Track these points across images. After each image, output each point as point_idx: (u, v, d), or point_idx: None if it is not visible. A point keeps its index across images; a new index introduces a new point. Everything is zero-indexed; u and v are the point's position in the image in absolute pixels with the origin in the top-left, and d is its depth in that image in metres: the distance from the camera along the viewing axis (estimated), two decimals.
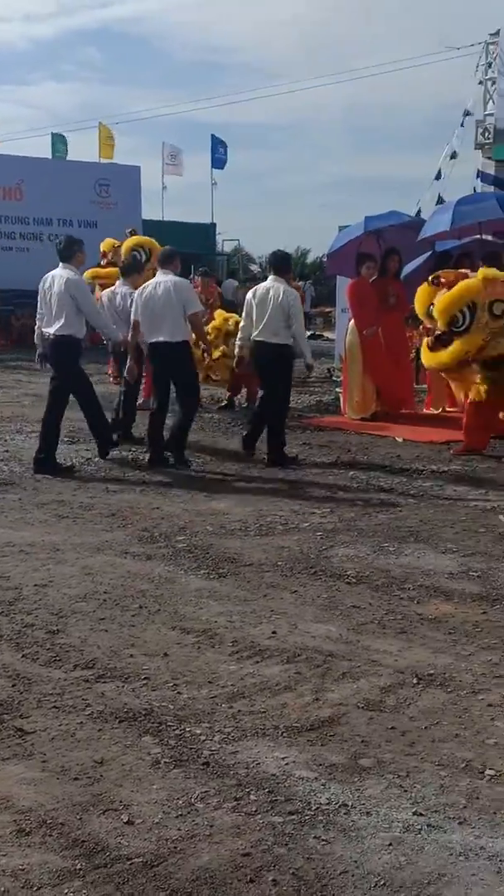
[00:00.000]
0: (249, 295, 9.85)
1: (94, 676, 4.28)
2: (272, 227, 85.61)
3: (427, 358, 9.89)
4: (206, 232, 34.50)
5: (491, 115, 14.99)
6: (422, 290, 9.82)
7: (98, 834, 3.06)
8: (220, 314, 13.67)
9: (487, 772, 3.51)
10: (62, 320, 8.93)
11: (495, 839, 3.07)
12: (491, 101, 15.03)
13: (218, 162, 37.97)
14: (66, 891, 2.78)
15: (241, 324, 9.95)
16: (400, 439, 11.00)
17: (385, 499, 7.91)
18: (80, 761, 3.53)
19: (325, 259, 21.30)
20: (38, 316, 9.34)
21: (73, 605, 5.20)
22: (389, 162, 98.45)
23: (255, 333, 9.53)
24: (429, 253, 13.13)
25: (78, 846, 2.99)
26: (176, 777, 3.44)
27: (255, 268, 42.44)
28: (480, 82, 15.21)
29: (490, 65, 14.97)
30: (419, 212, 15.21)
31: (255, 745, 3.67)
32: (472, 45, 15.92)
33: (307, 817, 3.18)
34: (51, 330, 9.02)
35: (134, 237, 13.28)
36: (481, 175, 15.14)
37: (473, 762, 3.58)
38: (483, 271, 9.62)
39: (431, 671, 4.41)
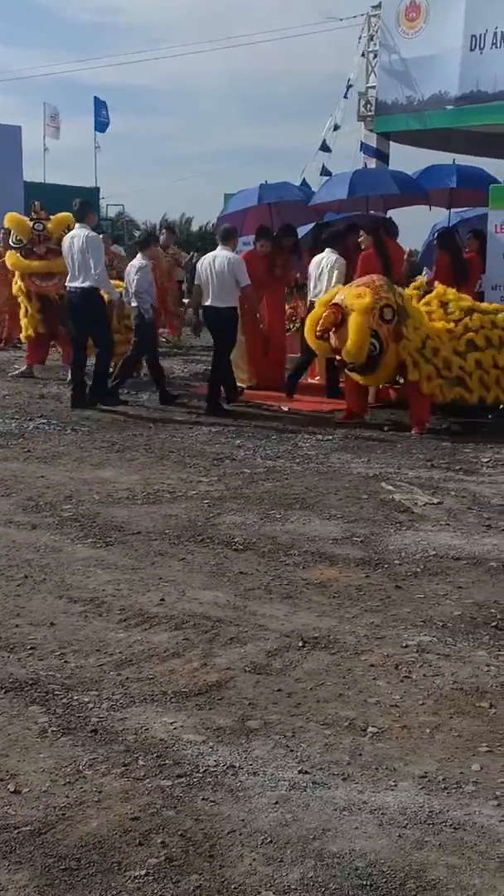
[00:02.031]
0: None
1: None
2: (157, 193, 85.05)
3: (363, 380, 10.02)
4: (90, 196, 33.97)
5: (373, 87, 15.06)
6: (319, 345, 9.88)
7: None
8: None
9: (370, 729, 3.60)
10: (85, 274, 10.16)
11: (377, 793, 3.16)
12: (373, 74, 15.09)
13: (101, 125, 37.24)
14: None
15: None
16: (285, 408, 11.09)
17: (271, 466, 7.98)
18: None
19: (212, 226, 21.23)
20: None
21: None
22: (275, 131, 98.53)
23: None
24: (313, 224, 13.26)
25: None
26: (63, 745, 3.44)
27: (139, 234, 42.03)
28: (363, 54, 15.26)
29: (372, 37, 15.03)
30: (304, 181, 15.22)
31: (143, 711, 3.69)
32: (355, 16, 16.00)
33: (195, 780, 3.22)
34: (75, 284, 10.22)
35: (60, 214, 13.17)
36: (364, 147, 15.26)
37: (356, 721, 3.67)
38: (350, 299, 9.55)
39: (316, 634, 4.49)
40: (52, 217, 12.51)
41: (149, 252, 11.27)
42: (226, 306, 10.63)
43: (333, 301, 9.57)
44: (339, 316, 9.43)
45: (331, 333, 9.55)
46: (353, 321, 9.31)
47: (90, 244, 10.28)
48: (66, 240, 10.60)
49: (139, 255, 11.13)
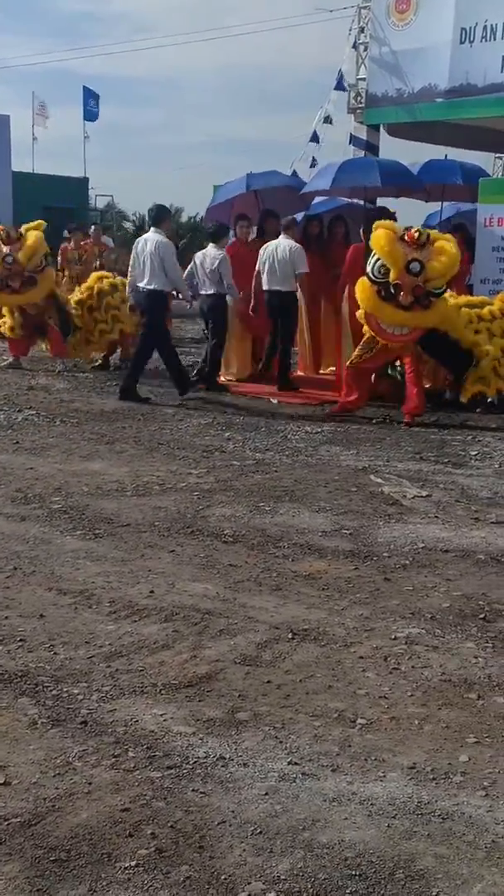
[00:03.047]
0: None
1: None
2: (146, 184, 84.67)
3: (398, 315, 9.55)
4: (79, 186, 33.90)
5: (363, 79, 15.05)
6: (384, 232, 9.53)
7: None
8: (95, 275, 13.54)
9: (359, 721, 3.62)
10: (152, 276, 10.68)
11: (366, 784, 3.18)
12: (363, 66, 15.08)
13: (90, 115, 37.13)
14: None
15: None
16: (275, 401, 11.11)
17: (261, 459, 7.99)
18: None
19: (201, 218, 21.22)
20: (129, 270, 11.06)
21: None
22: (265, 123, 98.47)
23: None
24: (302, 216, 13.25)
25: None
26: (53, 737, 3.44)
27: (128, 225, 41.86)
28: (354, 46, 15.26)
29: (363, 29, 15.02)
30: (294, 173, 15.22)
31: (133, 703, 3.70)
32: (346, 8, 16.00)
33: (185, 771, 3.23)
34: (142, 284, 10.76)
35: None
36: (353, 139, 15.28)
37: (345, 712, 3.68)
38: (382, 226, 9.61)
39: (305, 626, 4.50)
40: (23, 235, 12.39)
41: (223, 242, 11.69)
42: (287, 290, 11.52)
43: None
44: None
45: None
46: (450, 259, 9.46)
47: (164, 250, 10.74)
48: (139, 241, 11.08)
49: (212, 246, 11.57)
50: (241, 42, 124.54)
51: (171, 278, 10.85)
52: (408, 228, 9.53)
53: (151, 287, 10.75)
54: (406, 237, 9.41)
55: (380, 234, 9.45)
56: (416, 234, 9.42)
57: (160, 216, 11.26)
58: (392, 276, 9.41)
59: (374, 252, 9.53)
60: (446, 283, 9.98)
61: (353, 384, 10.26)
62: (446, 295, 9.85)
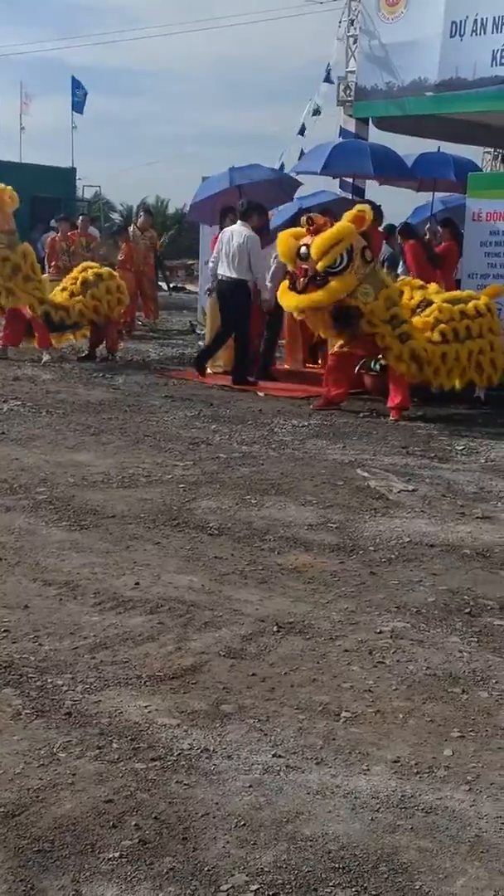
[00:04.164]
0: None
1: None
2: (134, 175, 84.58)
3: (293, 299, 9.78)
4: (66, 176, 33.68)
5: (353, 72, 15.02)
6: (284, 237, 9.91)
7: None
8: (81, 265, 13.51)
9: (343, 714, 3.62)
10: (240, 268, 11.25)
11: (350, 777, 3.18)
12: (353, 59, 15.06)
13: (78, 105, 36.95)
14: None
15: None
16: (261, 394, 11.11)
17: (247, 452, 7.99)
18: None
19: (185, 209, 21.19)
20: (212, 258, 11.70)
21: None
22: (255, 115, 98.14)
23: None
24: (296, 209, 13.26)
25: None
26: (37, 728, 3.44)
27: (115, 216, 41.71)
28: (342, 39, 15.23)
29: (352, 22, 14.99)
30: (282, 166, 15.21)
31: (117, 695, 3.70)
32: (336, 0, 15.99)
33: (169, 763, 3.23)
34: (228, 274, 11.37)
35: None
36: (343, 132, 15.26)
37: (330, 705, 3.69)
38: (359, 208, 9.79)
39: (291, 619, 4.51)
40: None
41: (253, 221, 11.76)
42: (239, 279, 11.51)
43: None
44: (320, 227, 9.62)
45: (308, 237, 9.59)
46: (340, 225, 9.58)
47: (252, 244, 11.35)
48: (225, 233, 11.59)
49: (241, 224, 11.64)
50: (233, 33, 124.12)
51: (255, 272, 11.38)
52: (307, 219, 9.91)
53: (237, 277, 11.33)
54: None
55: (279, 238, 10.11)
56: (305, 221, 9.83)
57: (248, 211, 11.71)
58: (290, 268, 9.91)
59: None
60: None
61: (337, 377, 10.28)
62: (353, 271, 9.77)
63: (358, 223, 9.63)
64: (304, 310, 9.91)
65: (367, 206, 10.07)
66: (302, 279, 9.62)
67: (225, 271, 11.58)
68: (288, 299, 9.88)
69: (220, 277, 11.63)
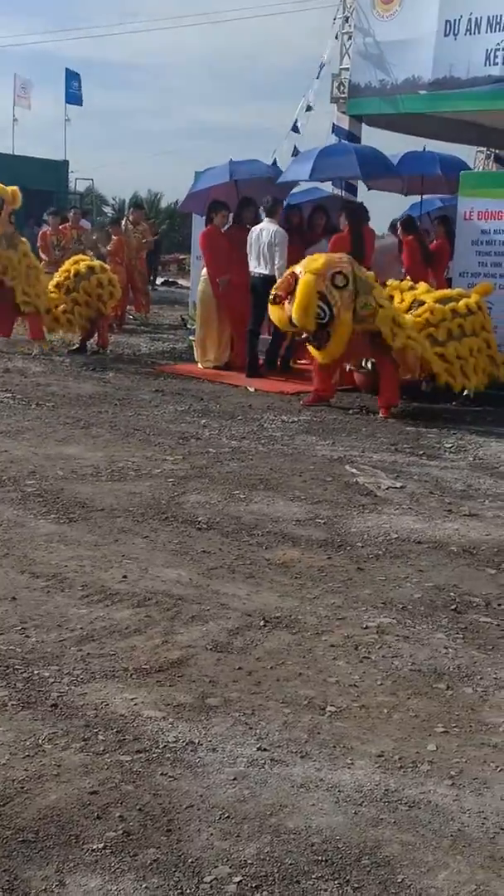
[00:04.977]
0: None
1: None
2: (126, 168, 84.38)
3: (320, 356, 10.01)
4: (58, 169, 33.62)
5: (346, 69, 15.00)
6: (274, 311, 9.94)
7: None
8: (73, 258, 13.48)
9: (328, 708, 3.64)
10: (269, 263, 11.48)
11: (334, 771, 3.20)
12: (347, 56, 15.03)
13: (72, 97, 36.84)
14: None
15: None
16: (252, 389, 11.11)
17: (236, 447, 7.99)
18: None
19: (178, 204, 21.15)
20: (248, 255, 11.80)
21: None
22: (248, 110, 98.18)
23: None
24: (285, 207, 13.24)
25: None
26: (23, 719, 3.45)
27: (108, 209, 41.64)
28: (336, 36, 15.20)
29: (347, 19, 14.97)
30: (275, 162, 15.18)
31: (103, 687, 3.71)
32: None
33: (155, 755, 3.24)
34: (259, 271, 11.61)
35: None
36: (335, 129, 15.24)
37: (315, 699, 3.71)
38: (305, 264, 9.70)
39: (278, 614, 4.52)
40: None
41: (278, 217, 11.94)
42: (271, 275, 11.49)
43: (292, 269, 9.71)
44: (292, 282, 9.54)
45: (286, 303, 9.61)
46: (301, 283, 9.47)
47: (280, 239, 11.52)
48: (254, 230, 11.76)
49: (268, 220, 11.79)
50: (227, 28, 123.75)
51: (278, 266, 11.37)
52: None
53: (269, 274, 11.38)
54: None
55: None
56: (272, 299, 9.95)
57: (274, 206, 11.94)
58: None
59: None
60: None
61: (325, 374, 10.30)
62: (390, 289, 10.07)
63: (338, 245, 9.76)
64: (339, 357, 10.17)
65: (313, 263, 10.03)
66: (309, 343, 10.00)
67: (257, 268, 11.72)
68: (318, 355, 10.07)
69: (253, 274, 11.75)
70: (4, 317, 12.82)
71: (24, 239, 12.76)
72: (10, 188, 12.32)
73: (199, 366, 12.42)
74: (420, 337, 9.86)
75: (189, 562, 5.18)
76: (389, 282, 10.77)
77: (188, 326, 16.38)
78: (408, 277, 11.37)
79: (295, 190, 14.46)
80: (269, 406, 10.04)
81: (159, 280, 27.90)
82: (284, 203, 13.09)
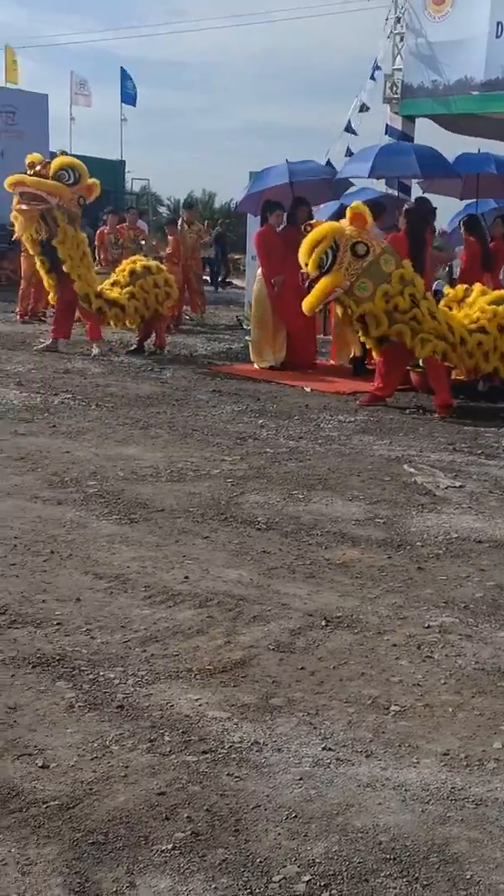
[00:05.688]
0: None
1: (6, 622, 4.28)
2: (180, 168, 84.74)
3: (303, 304, 10.04)
4: (115, 169, 33.73)
5: (399, 69, 14.97)
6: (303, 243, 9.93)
7: (13, 779, 3.09)
8: (130, 258, 13.60)
9: (392, 708, 3.64)
10: None
11: (400, 770, 3.20)
12: (399, 57, 15.01)
13: (127, 97, 37.05)
14: None
15: None
16: (308, 389, 11.12)
17: (294, 447, 8.01)
18: None
19: (234, 204, 21.22)
20: None
21: None
22: (301, 110, 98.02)
23: None
24: (337, 205, 13.25)
25: None
26: (90, 720, 3.49)
27: (163, 209, 41.84)
28: (389, 36, 15.18)
29: (399, 19, 14.93)
30: (328, 162, 15.19)
31: (168, 688, 3.74)
32: None
33: (220, 756, 3.27)
34: None
35: (64, 156, 13.02)
36: (389, 130, 15.23)
37: (379, 699, 3.71)
38: (355, 205, 9.82)
39: (339, 614, 4.53)
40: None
41: (381, 220, 11.69)
42: None
43: None
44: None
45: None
46: (323, 224, 9.71)
47: None
48: None
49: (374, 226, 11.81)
50: (280, 28, 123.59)
51: None
52: None
53: None
54: None
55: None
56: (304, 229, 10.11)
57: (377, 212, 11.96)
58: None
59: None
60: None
61: (388, 373, 10.27)
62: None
63: (358, 222, 9.68)
64: (310, 309, 10.17)
65: (359, 204, 10.05)
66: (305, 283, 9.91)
67: None
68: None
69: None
70: (64, 318, 12.94)
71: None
72: (91, 179, 12.48)
73: (256, 366, 12.45)
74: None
75: (249, 562, 5.21)
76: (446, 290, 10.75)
77: (244, 326, 16.43)
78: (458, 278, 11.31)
79: (350, 190, 14.47)
80: (326, 406, 10.04)
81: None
82: (340, 203, 13.08)
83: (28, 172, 12.40)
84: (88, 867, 2.69)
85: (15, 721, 3.45)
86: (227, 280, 29.73)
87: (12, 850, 2.73)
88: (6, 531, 5.49)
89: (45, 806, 2.95)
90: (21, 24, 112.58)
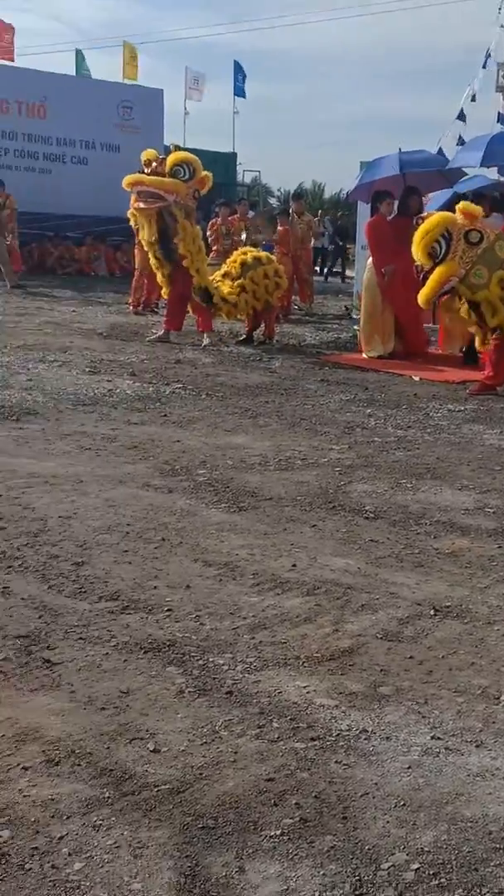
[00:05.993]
0: None
1: (119, 608, 4.36)
2: (290, 159, 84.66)
3: (419, 297, 10.01)
4: (227, 161, 33.87)
5: None
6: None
7: (125, 762, 3.14)
8: (241, 249, 13.67)
9: (503, 698, 3.60)
10: None
11: None
12: None
13: (239, 90, 37.23)
14: (94, 819, 2.84)
15: None
16: (417, 378, 11.02)
17: (402, 436, 7.96)
18: (107, 692, 3.60)
19: (344, 194, 21.12)
20: None
21: (96, 537, 5.27)
22: (410, 101, 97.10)
23: None
24: (451, 193, 13.09)
25: (106, 775, 3.06)
26: (200, 706, 3.53)
27: (273, 201, 41.88)
28: (501, 25, 14.94)
29: None
30: (440, 151, 15.04)
31: (276, 675, 3.76)
32: None
33: (328, 743, 3.27)
34: None
35: (179, 152, 13.16)
36: (501, 118, 14.99)
37: (489, 689, 3.67)
38: (462, 205, 9.70)
39: (448, 603, 4.49)
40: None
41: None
42: None
43: None
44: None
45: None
46: (434, 215, 9.68)
47: None
48: None
49: (495, 216, 11.51)
50: (388, 18, 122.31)
51: None
52: None
53: None
54: None
55: None
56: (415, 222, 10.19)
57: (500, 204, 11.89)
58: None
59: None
60: None
61: (497, 362, 10.12)
62: None
63: (467, 218, 9.56)
64: (426, 302, 10.16)
65: (467, 204, 9.91)
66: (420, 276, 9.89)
67: None
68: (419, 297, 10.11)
69: None
70: (177, 310, 13.06)
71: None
72: (205, 172, 12.59)
73: (364, 355, 12.39)
74: None
75: (357, 551, 5.20)
76: None
77: (353, 316, 16.36)
78: None
79: (463, 179, 14.30)
80: (435, 395, 9.94)
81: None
82: (453, 191, 12.92)
83: (145, 171, 12.54)
84: (199, 851, 2.72)
85: (127, 705, 3.51)
86: (336, 270, 29.58)
87: (125, 833, 2.78)
88: (119, 518, 5.58)
89: (156, 790, 2.99)
90: (137, 20, 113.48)
